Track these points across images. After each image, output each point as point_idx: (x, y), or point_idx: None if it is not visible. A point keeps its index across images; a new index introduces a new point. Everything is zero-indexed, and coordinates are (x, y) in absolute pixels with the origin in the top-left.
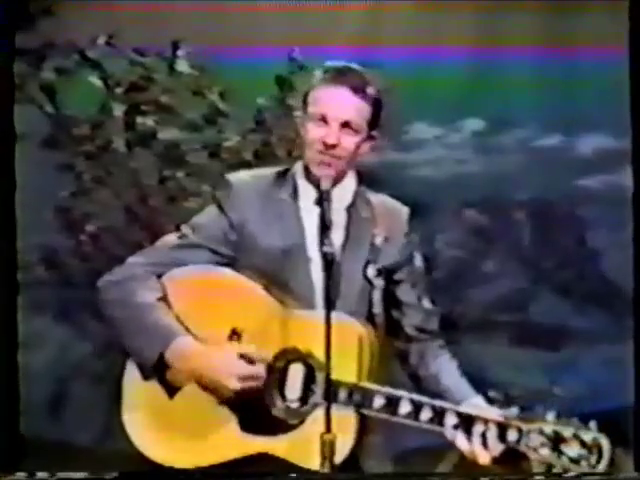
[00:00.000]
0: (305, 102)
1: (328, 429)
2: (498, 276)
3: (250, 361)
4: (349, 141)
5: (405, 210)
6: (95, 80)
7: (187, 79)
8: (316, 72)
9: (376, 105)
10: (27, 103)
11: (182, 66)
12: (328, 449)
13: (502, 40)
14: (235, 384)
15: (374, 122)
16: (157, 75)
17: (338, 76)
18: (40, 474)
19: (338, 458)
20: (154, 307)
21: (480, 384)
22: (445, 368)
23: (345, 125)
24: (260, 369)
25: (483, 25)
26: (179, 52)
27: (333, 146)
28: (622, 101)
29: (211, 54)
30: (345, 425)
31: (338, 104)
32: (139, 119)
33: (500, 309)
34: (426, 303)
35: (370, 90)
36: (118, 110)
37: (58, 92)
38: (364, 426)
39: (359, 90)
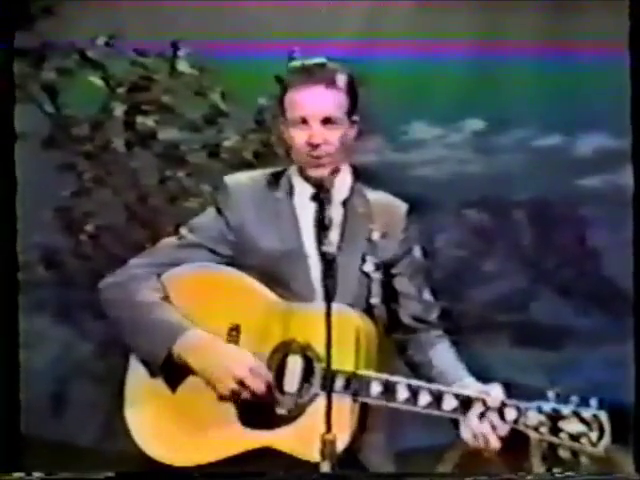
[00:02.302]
0: (282, 107)
1: (329, 428)
2: (498, 276)
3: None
4: (333, 136)
5: (403, 206)
6: (96, 80)
7: (188, 79)
8: (286, 75)
9: (350, 92)
10: (27, 103)
11: (183, 66)
12: (328, 449)
13: (502, 40)
14: (244, 373)
15: (352, 108)
16: (158, 75)
17: (308, 74)
18: (37, 474)
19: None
20: (158, 305)
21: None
22: (440, 353)
23: (326, 121)
24: (266, 373)
25: (483, 25)
26: (180, 52)
27: (319, 145)
28: (622, 101)
29: (212, 54)
30: (343, 419)
31: (314, 102)
32: (139, 119)
33: (500, 309)
34: (426, 295)
35: (340, 79)
36: (119, 110)
37: (58, 92)
38: (364, 424)
39: (331, 82)
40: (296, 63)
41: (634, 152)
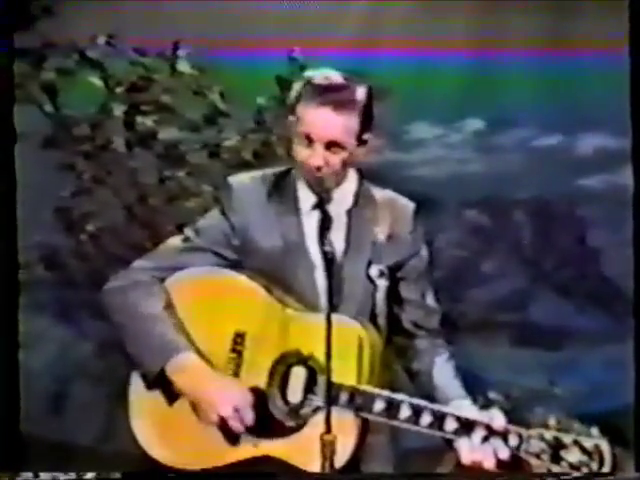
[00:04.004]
0: (294, 112)
1: (328, 430)
2: (498, 276)
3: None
4: (336, 159)
5: (411, 206)
6: (95, 80)
7: (187, 79)
8: (299, 84)
9: (365, 111)
10: (27, 103)
11: (182, 66)
12: (328, 450)
13: (502, 40)
14: (228, 412)
15: (365, 127)
16: (157, 75)
17: (320, 94)
18: (43, 475)
19: (339, 461)
20: (158, 318)
21: (480, 384)
22: (440, 367)
23: (330, 145)
24: (249, 415)
25: (483, 25)
26: (179, 52)
27: (319, 168)
28: (622, 101)
29: (211, 54)
30: (346, 427)
31: (321, 125)
32: (139, 119)
33: (500, 309)
34: (429, 300)
35: (357, 96)
36: (118, 110)
37: (58, 92)
38: (365, 428)
39: (343, 105)
40: (313, 76)
41: (634, 152)
